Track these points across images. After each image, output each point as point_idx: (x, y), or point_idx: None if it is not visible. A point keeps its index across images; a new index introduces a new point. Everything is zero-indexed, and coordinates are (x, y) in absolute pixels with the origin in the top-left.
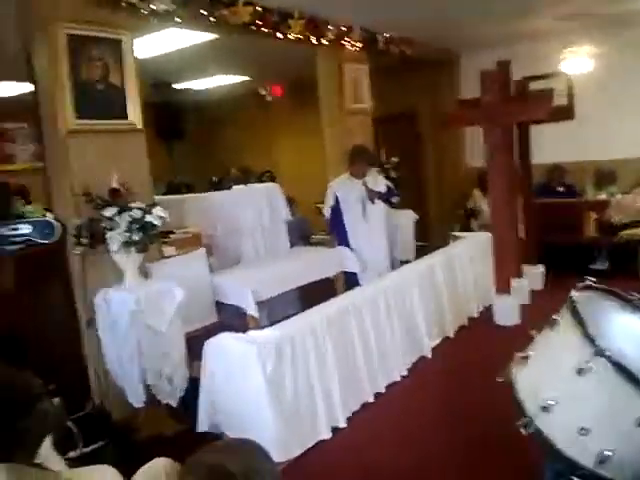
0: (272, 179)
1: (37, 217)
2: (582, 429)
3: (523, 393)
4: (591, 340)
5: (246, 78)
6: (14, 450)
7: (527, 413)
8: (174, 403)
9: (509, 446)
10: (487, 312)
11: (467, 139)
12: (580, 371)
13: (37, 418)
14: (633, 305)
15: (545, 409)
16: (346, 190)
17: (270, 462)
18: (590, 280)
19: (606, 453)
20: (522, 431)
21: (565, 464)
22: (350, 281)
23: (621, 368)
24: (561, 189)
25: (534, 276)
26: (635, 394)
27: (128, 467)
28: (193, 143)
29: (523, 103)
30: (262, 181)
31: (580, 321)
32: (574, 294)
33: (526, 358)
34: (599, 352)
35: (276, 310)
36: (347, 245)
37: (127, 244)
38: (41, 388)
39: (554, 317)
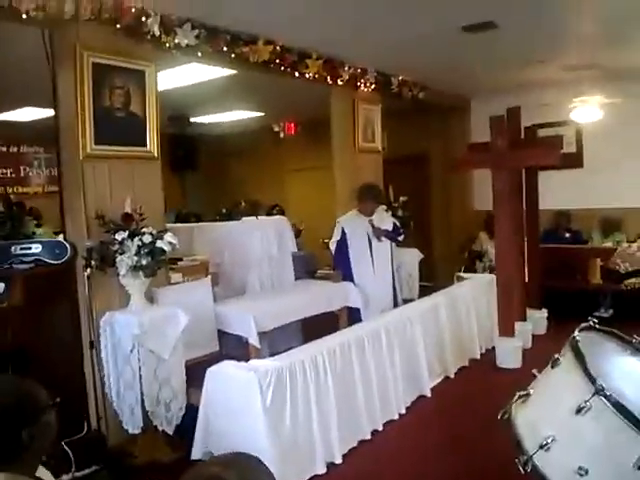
0: (281, 213)
1: (48, 238)
2: (580, 469)
3: (522, 430)
4: (592, 379)
5: (261, 114)
6: (17, 460)
7: (526, 451)
8: (170, 430)
9: None
10: (489, 354)
11: (475, 183)
12: (579, 410)
13: (42, 429)
14: (634, 347)
15: (543, 447)
16: (353, 226)
17: (268, 475)
18: (593, 321)
19: None
20: (520, 469)
21: None
22: (354, 316)
23: (620, 408)
24: (567, 235)
25: (538, 320)
26: (634, 436)
27: None
28: (205, 175)
29: (532, 149)
30: (271, 215)
31: (581, 360)
32: (577, 334)
33: (527, 396)
34: (599, 391)
35: (278, 342)
36: (351, 280)
37: (135, 268)
38: (48, 400)
39: (556, 356)
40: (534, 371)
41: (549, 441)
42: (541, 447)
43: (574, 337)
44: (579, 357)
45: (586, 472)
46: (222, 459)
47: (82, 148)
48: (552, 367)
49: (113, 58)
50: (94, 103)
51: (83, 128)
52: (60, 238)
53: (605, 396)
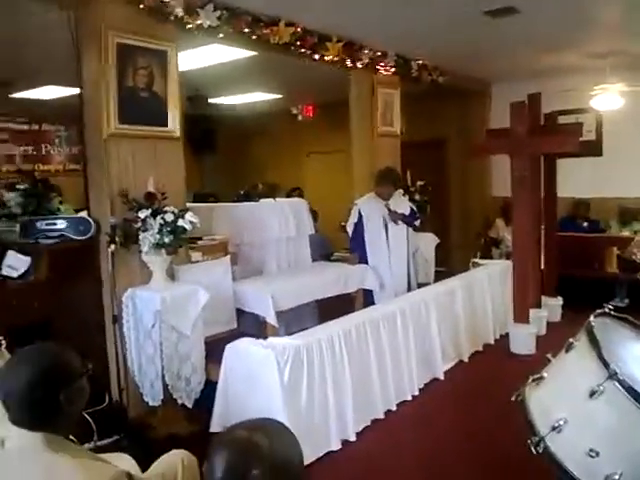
0: (300, 196)
1: (72, 214)
2: (591, 450)
3: (535, 412)
4: (605, 363)
5: (279, 96)
6: (53, 421)
7: (538, 432)
8: (189, 404)
9: (517, 466)
10: (503, 340)
11: (493, 169)
12: (592, 393)
13: (78, 392)
14: None
15: (555, 429)
16: (370, 209)
17: (293, 439)
18: (608, 308)
19: (614, 476)
20: (532, 450)
21: None
22: (369, 299)
23: (633, 392)
24: (585, 224)
25: (553, 308)
26: None
27: (141, 463)
28: (223, 156)
29: (551, 135)
30: (291, 197)
31: (596, 344)
32: (592, 319)
33: (540, 379)
34: (612, 375)
35: (294, 323)
36: (365, 262)
37: (158, 246)
38: (82, 367)
39: (571, 340)
40: (548, 355)
41: (561, 423)
42: (553, 429)
43: (589, 322)
44: (593, 342)
45: (597, 454)
46: (249, 424)
47: (106, 127)
48: (566, 351)
49: (137, 38)
50: (118, 83)
51: (107, 107)
52: (84, 214)
53: (618, 380)
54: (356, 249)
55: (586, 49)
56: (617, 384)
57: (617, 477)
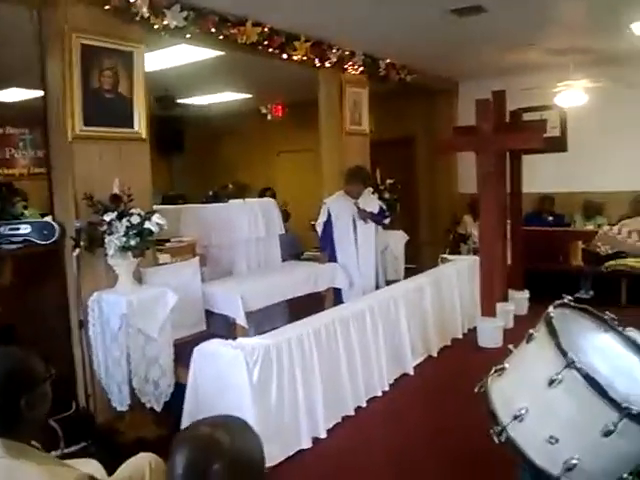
0: (273, 196)
1: (37, 219)
2: (551, 437)
3: (497, 403)
4: (563, 352)
5: (248, 96)
6: (14, 427)
7: (500, 422)
8: (158, 407)
9: (485, 458)
10: (471, 334)
11: (460, 166)
12: (551, 382)
13: (40, 397)
14: (606, 324)
15: (517, 418)
16: (339, 207)
17: (254, 433)
18: (567, 299)
19: (573, 461)
20: (495, 439)
21: (534, 472)
22: (338, 297)
23: (590, 380)
24: (550, 218)
25: (519, 301)
26: (602, 406)
27: (109, 469)
28: (192, 157)
29: (516, 132)
30: (264, 197)
31: (554, 334)
32: (551, 310)
33: (502, 370)
34: (570, 364)
35: (264, 323)
36: (335, 261)
37: (124, 249)
38: (46, 372)
39: (531, 331)
40: (510, 346)
41: (522, 412)
42: (515, 418)
43: (548, 313)
44: (552, 332)
45: (556, 440)
46: (210, 421)
47: (71, 129)
48: (527, 342)
49: (102, 39)
50: (83, 84)
51: (72, 109)
52: (48, 219)
53: (576, 369)
54: (325, 248)
55: (550, 46)
56: (575, 372)
57: (575, 461)
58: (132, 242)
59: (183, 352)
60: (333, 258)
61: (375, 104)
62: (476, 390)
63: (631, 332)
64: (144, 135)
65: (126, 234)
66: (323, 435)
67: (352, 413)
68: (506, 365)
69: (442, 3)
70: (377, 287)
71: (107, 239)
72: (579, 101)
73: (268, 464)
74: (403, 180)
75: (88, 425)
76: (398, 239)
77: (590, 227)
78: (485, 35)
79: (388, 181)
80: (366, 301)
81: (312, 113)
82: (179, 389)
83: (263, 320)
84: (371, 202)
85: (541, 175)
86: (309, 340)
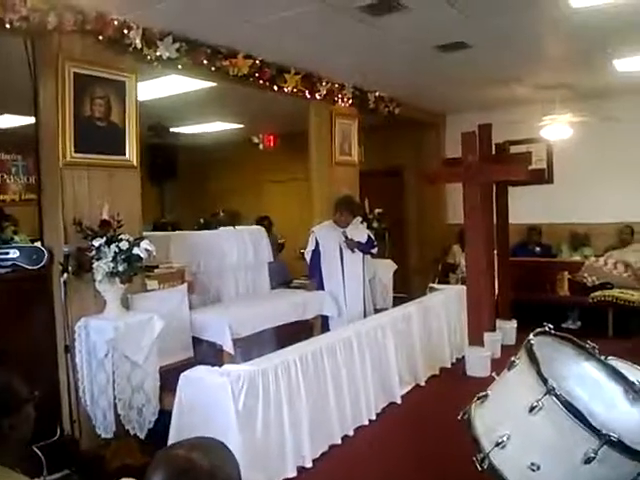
0: (270, 225)
1: (26, 244)
2: (532, 464)
3: (480, 429)
4: (544, 379)
5: (240, 126)
6: None
7: (482, 449)
8: (142, 435)
9: None
10: (459, 363)
11: (448, 197)
12: (532, 409)
13: (22, 419)
14: (587, 352)
15: (499, 445)
16: (327, 236)
17: (231, 455)
18: (548, 327)
19: None
20: (478, 467)
21: None
22: (326, 325)
23: (570, 407)
24: (537, 249)
25: (507, 331)
26: (582, 433)
27: None
28: (184, 185)
29: (501, 164)
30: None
31: (535, 362)
32: (532, 337)
33: (485, 397)
34: (550, 391)
35: (252, 350)
36: (323, 289)
37: (112, 274)
38: (29, 394)
39: (512, 359)
40: (493, 374)
41: (504, 439)
42: (497, 445)
43: (529, 340)
44: (533, 359)
45: (538, 467)
46: (187, 443)
47: (62, 156)
48: (509, 369)
49: (94, 69)
50: (75, 112)
51: (63, 136)
52: (37, 244)
53: (556, 396)
54: (314, 276)
55: (535, 81)
56: (555, 399)
57: None
58: (120, 268)
59: (169, 379)
60: (321, 286)
61: (365, 135)
62: (459, 417)
63: (612, 361)
64: (135, 162)
65: (114, 259)
66: (309, 464)
67: (339, 442)
68: (489, 392)
69: (427, 40)
70: (365, 316)
71: (95, 264)
72: (564, 134)
73: None
74: (392, 210)
75: (72, 452)
76: (387, 268)
77: (577, 258)
78: (470, 70)
79: (377, 211)
80: (353, 329)
81: (302, 143)
82: (165, 416)
83: (251, 347)
84: (360, 232)
85: (528, 206)
86: (296, 367)
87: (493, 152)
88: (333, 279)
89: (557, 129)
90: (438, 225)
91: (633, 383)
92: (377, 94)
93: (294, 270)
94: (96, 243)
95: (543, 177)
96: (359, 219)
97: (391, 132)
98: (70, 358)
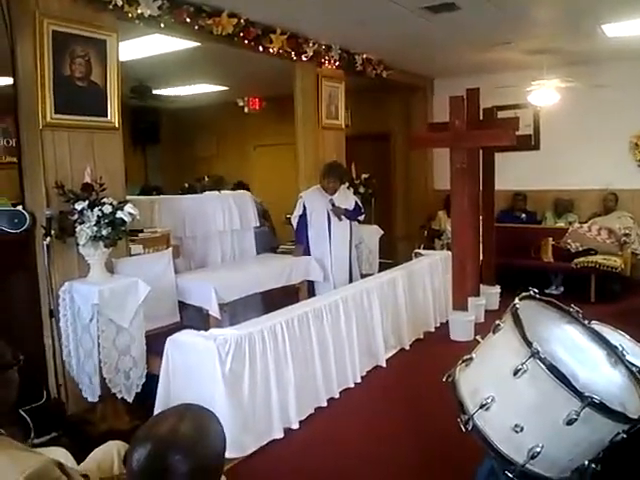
0: (247, 190)
1: (7, 207)
2: (516, 426)
3: (464, 391)
4: (528, 343)
5: (225, 88)
6: None
7: (467, 410)
8: (130, 398)
9: (453, 445)
10: (443, 327)
11: (435, 163)
12: (516, 372)
13: (7, 383)
14: (571, 315)
15: (483, 407)
16: (314, 202)
17: (218, 427)
18: (533, 291)
19: (536, 449)
20: (462, 428)
21: (500, 460)
22: (312, 290)
23: (554, 370)
24: (522, 215)
25: (491, 296)
26: (565, 395)
27: (80, 460)
28: (168, 149)
29: (489, 129)
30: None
31: (519, 325)
32: (517, 302)
33: (470, 360)
34: (534, 354)
35: (239, 314)
36: (309, 254)
37: (95, 238)
38: (13, 359)
39: (497, 322)
40: (478, 337)
41: (489, 401)
42: (481, 407)
43: (514, 304)
44: (517, 323)
45: (521, 429)
46: (173, 411)
47: (42, 117)
48: (493, 333)
49: (74, 26)
50: (54, 71)
51: (43, 97)
52: (19, 208)
53: (540, 359)
54: (301, 241)
55: (523, 46)
56: (539, 362)
57: (539, 449)
58: (104, 232)
59: (156, 343)
60: (308, 251)
61: (352, 99)
62: (444, 380)
63: (595, 325)
64: (117, 124)
65: (98, 223)
66: (295, 426)
67: (324, 404)
68: (473, 355)
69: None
70: (351, 281)
71: (78, 228)
72: (551, 100)
73: (241, 454)
74: (379, 175)
75: (59, 416)
76: (373, 233)
77: (561, 224)
78: (459, 33)
79: (363, 176)
80: (340, 293)
81: (289, 107)
82: (152, 380)
83: (238, 311)
84: (347, 198)
85: (514, 173)
86: (282, 331)
87: (481, 117)
88: (320, 244)
89: (544, 94)
90: (425, 191)
91: (615, 347)
92: (364, 56)
93: (280, 235)
94: (79, 207)
95: (530, 143)
96: (346, 185)
97: (379, 96)
98: (55, 323)
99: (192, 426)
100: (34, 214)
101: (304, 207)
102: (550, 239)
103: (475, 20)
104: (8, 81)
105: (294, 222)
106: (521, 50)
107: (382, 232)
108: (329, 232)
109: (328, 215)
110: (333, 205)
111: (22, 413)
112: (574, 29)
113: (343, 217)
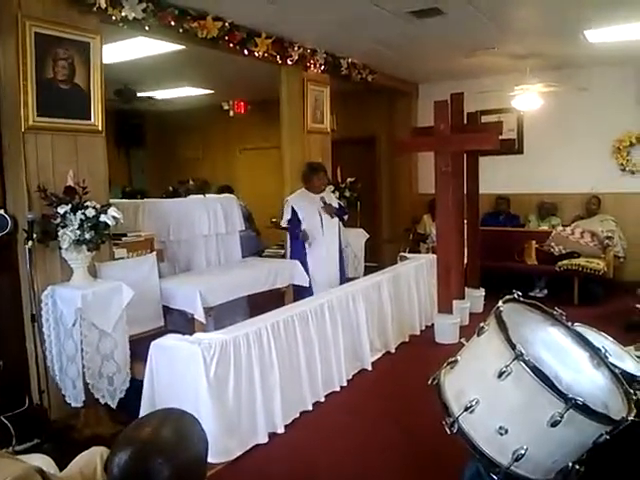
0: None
1: None
2: (500, 428)
3: (449, 394)
4: (512, 345)
5: (210, 92)
6: None
7: (452, 413)
8: (113, 404)
9: (438, 449)
10: (428, 330)
11: (420, 167)
12: (501, 374)
13: None
14: (554, 318)
15: (468, 409)
16: (304, 203)
17: (200, 431)
18: (517, 294)
19: (521, 451)
20: (447, 430)
21: (485, 462)
22: (300, 294)
23: (537, 372)
24: (506, 218)
25: (475, 299)
26: (549, 397)
27: (63, 466)
28: (152, 152)
29: (472, 133)
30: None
31: (503, 328)
32: (501, 304)
33: (454, 362)
34: (518, 356)
35: (224, 319)
36: (303, 257)
37: (78, 242)
38: None
39: (481, 325)
40: (462, 340)
41: (473, 403)
42: (466, 409)
43: (498, 307)
44: (501, 325)
45: (506, 431)
46: (155, 415)
47: (24, 119)
48: (478, 335)
49: (57, 29)
50: (37, 74)
51: (25, 99)
52: (0, 211)
53: (524, 361)
54: (295, 246)
55: (507, 50)
56: (523, 364)
57: (523, 452)
58: (87, 235)
59: (140, 348)
60: (301, 255)
61: (337, 103)
62: (429, 382)
63: (579, 327)
64: (101, 127)
65: (80, 227)
66: (281, 430)
67: (310, 408)
68: (458, 358)
69: (400, 4)
70: (342, 283)
71: (61, 232)
72: (534, 105)
73: (225, 459)
74: (364, 179)
75: (42, 422)
76: (358, 237)
77: (544, 227)
78: (444, 38)
79: (349, 179)
80: (325, 297)
81: (274, 111)
82: (135, 385)
83: (223, 316)
84: (331, 199)
85: (498, 177)
86: (267, 335)
87: (465, 121)
88: (316, 247)
89: (528, 99)
90: (410, 195)
91: (598, 349)
92: (350, 60)
93: (266, 239)
94: (61, 210)
95: (513, 147)
96: (331, 187)
97: (364, 100)
98: (37, 327)
99: (173, 430)
100: (16, 217)
101: (293, 210)
102: (534, 242)
103: (459, 25)
104: None
105: (284, 225)
106: (505, 55)
107: (367, 236)
108: (322, 233)
109: (320, 215)
110: (325, 203)
111: (3, 420)
112: (557, 35)
113: (334, 216)
